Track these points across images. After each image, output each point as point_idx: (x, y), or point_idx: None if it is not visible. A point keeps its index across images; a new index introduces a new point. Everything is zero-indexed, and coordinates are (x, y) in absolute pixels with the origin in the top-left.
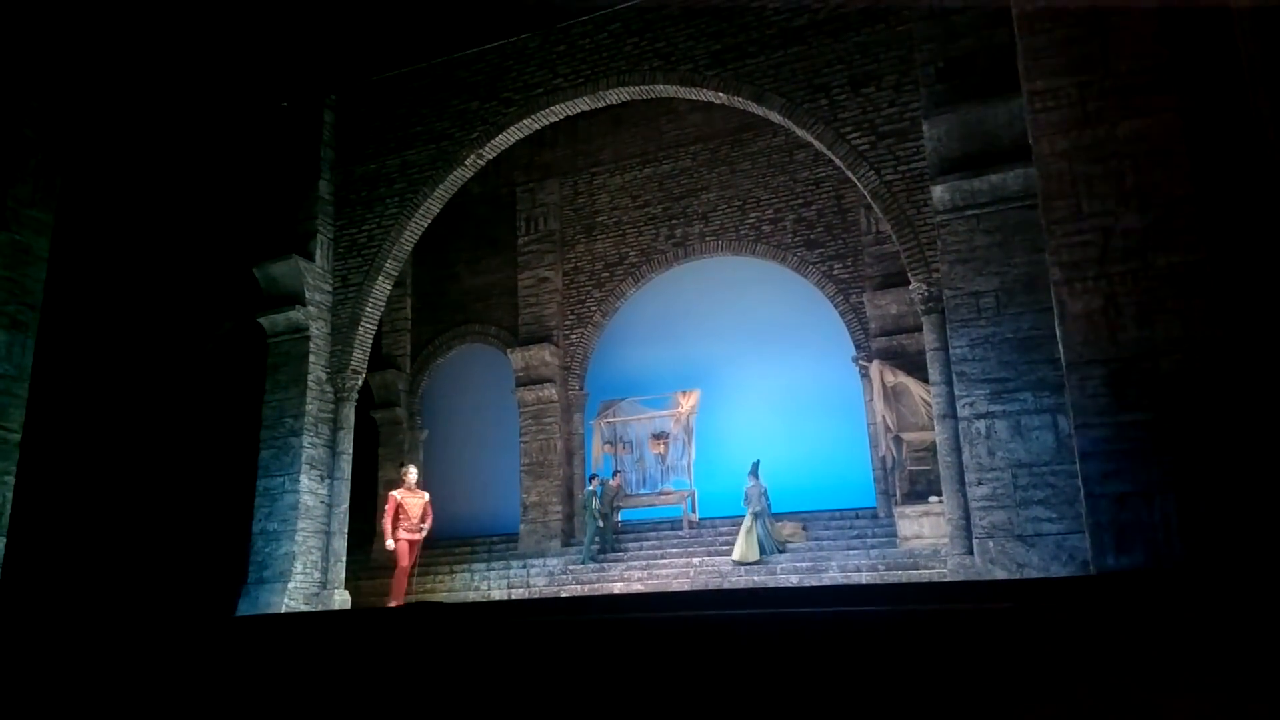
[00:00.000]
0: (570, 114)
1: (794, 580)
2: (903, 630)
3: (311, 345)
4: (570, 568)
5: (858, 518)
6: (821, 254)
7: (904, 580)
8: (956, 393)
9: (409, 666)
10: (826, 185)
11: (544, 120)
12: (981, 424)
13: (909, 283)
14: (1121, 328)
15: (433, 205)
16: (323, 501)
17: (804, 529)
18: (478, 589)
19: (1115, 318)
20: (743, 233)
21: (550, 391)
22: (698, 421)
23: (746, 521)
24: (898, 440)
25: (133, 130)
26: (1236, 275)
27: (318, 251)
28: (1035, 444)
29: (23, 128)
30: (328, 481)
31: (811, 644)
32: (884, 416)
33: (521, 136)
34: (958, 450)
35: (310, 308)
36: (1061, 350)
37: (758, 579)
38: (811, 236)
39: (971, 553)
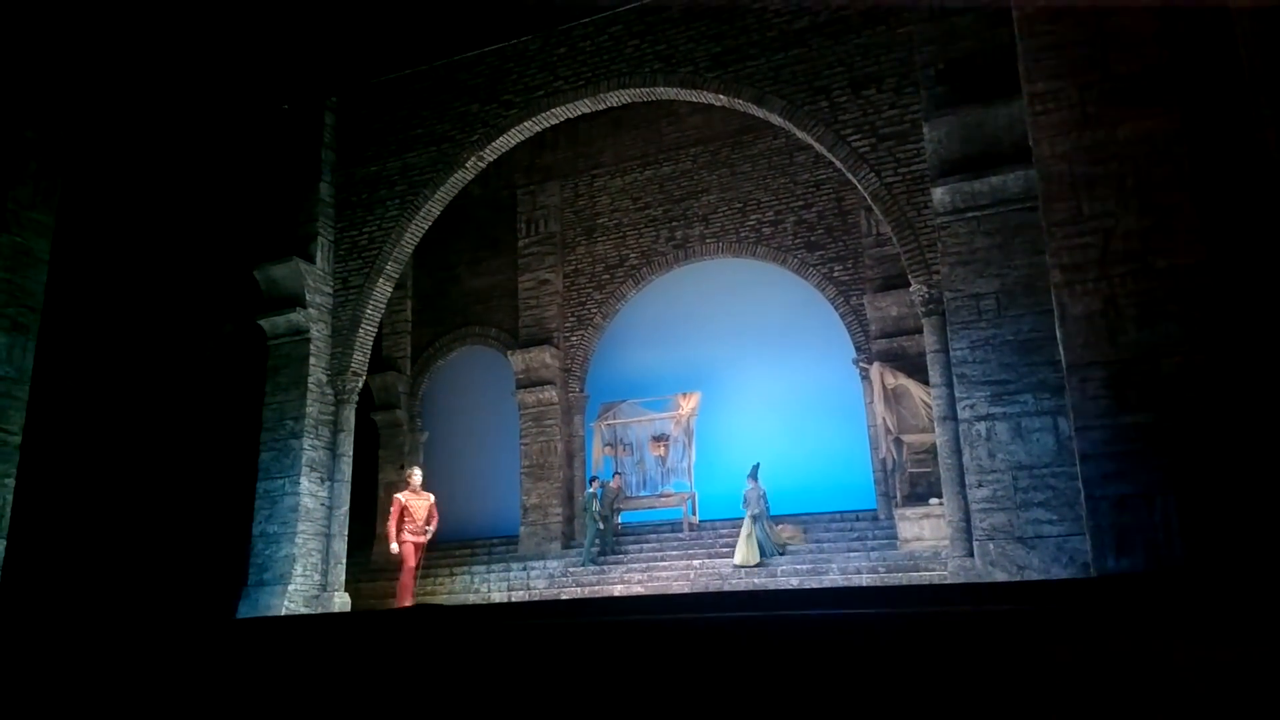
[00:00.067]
0: (571, 116)
1: (794, 582)
2: (903, 633)
3: (312, 347)
4: (570, 570)
5: (858, 520)
6: (822, 256)
7: (904, 583)
8: (957, 395)
9: (409, 669)
10: (827, 187)
11: (544, 122)
12: (982, 426)
13: (909, 285)
14: (1122, 330)
15: (433, 207)
16: (323, 504)
17: (804, 531)
18: (478, 591)
19: (1115, 320)
20: (743, 235)
21: (550, 394)
22: (698, 424)
23: (746, 525)
24: (898, 442)
25: (133, 132)
26: (1237, 277)
27: (318, 254)
28: (1036, 446)
29: (24, 130)
30: (328, 484)
31: (812, 646)
32: (884, 418)
33: (522, 139)
34: (958, 452)
35: (311, 310)
36: (1062, 352)
37: (758, 581)
38: (812, 238)
39: (972, 555)
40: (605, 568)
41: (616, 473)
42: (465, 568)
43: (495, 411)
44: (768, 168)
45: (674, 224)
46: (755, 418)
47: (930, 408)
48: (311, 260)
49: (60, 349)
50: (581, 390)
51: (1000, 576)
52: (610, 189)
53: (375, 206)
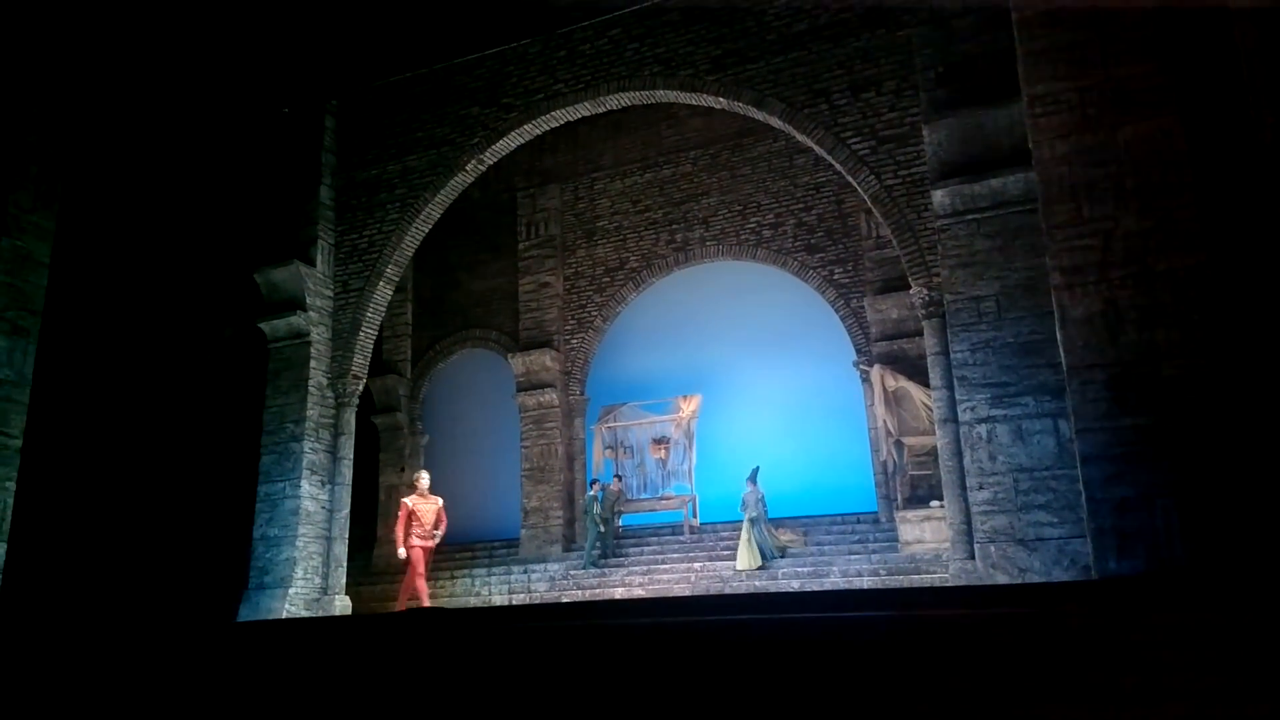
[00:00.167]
0: (570, 119)
1: (795, 585)
2: (905, 635)
3: (312, 350)
4: (571, 573)
5: (859, 522)
6: (822, 259)
7: (905, 585)
8: (957, 397)
9: (410, 672)
10: (827, 190)
11: (544, 126)
12: (983, 428)
13: (909, 287)
14: (1122, 332)
15: (433, 211)
16: (323, 507)
17: (804, 534)
18: (478, 594)
19: (1116, 322)
20: (743, 237)
21: (551, 396)
22: (699, 426)
23: (745, 530)
24: (899, 445)
25: (134, 136)
26: (1237, 279)
27: (319, 257)
28: (1036, 448)
29: (25, 134)
30: (328, 487)
31: (813, 649)
32: (885, 421)
33: (522, 142)
34: (959, 455)
35: (311, 313)
36: (1062, 355)
37: (759, 584)
38: (812, 241)
39: (973, 557)
40: (606, 571)
41: (617, 475)
42: (466, 571)
43: (496, 414)
44: (768, 170)
45: (674, 227)
46: (756, 420)
47: (931, 410)
48: (312, 263)
49: (61, 353)
50: (582, 393)
51: (1001, 579)
52: (610, 192)
53: (375, 210)
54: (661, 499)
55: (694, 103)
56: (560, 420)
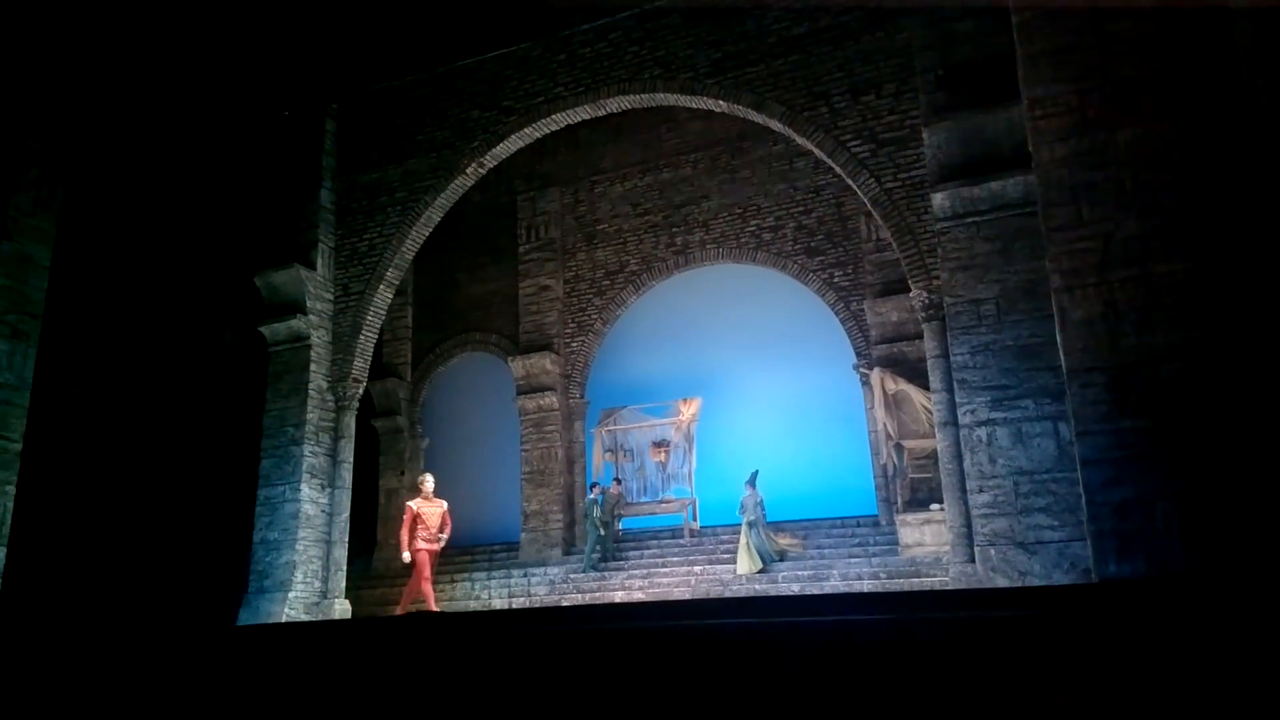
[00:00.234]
0: (571, 123)
1: (795, 588)
2: (905, 639)
3: (312, 354)
4: (571, 576)
5: (859, 525)
6: (822, 261)
7: (906, 588)
8: (957, 400)
9: (410, 676)
10: (827, 193)
11: (545, 129)
12: (983, 431)
13: (909, 290)
14: (1122, 334)
15: (434, 214)
16: (323, 510)
17: (804, 538)
18: (478, 598)
19: (1116, 324)
20: (743, 240)
21: (551, 399)
22: (699, 429)
23: (743, 534)
24: (899, 448)
25: (134, 140)
26: (1237, 281)
27: (319, 260)
28: (1036, 451)
29: (25, 138)
30: (328, 490)
31: (813, 653)
32: (885, 424)
33: (522, 145)
34: (959, 458)
35: (311, 316)
36: (1062, 357)
37: (759, 587)
38: (812, 244)
39: (973, 560)
40: (606, 574)
41: (617, 479)
42: (466, 574)
43: (496, 417)
44: (768, 173)
45: (674, 230)
46: (756, 423)
47: (931, 413)
48: (312, 267)
49: (61, 356)
50: (582, 396)
51: (1001, 582)
52: (610, 195)
53: (376, 213)
54: (661, 502)
55: (694, 106)
56: (560, 423)
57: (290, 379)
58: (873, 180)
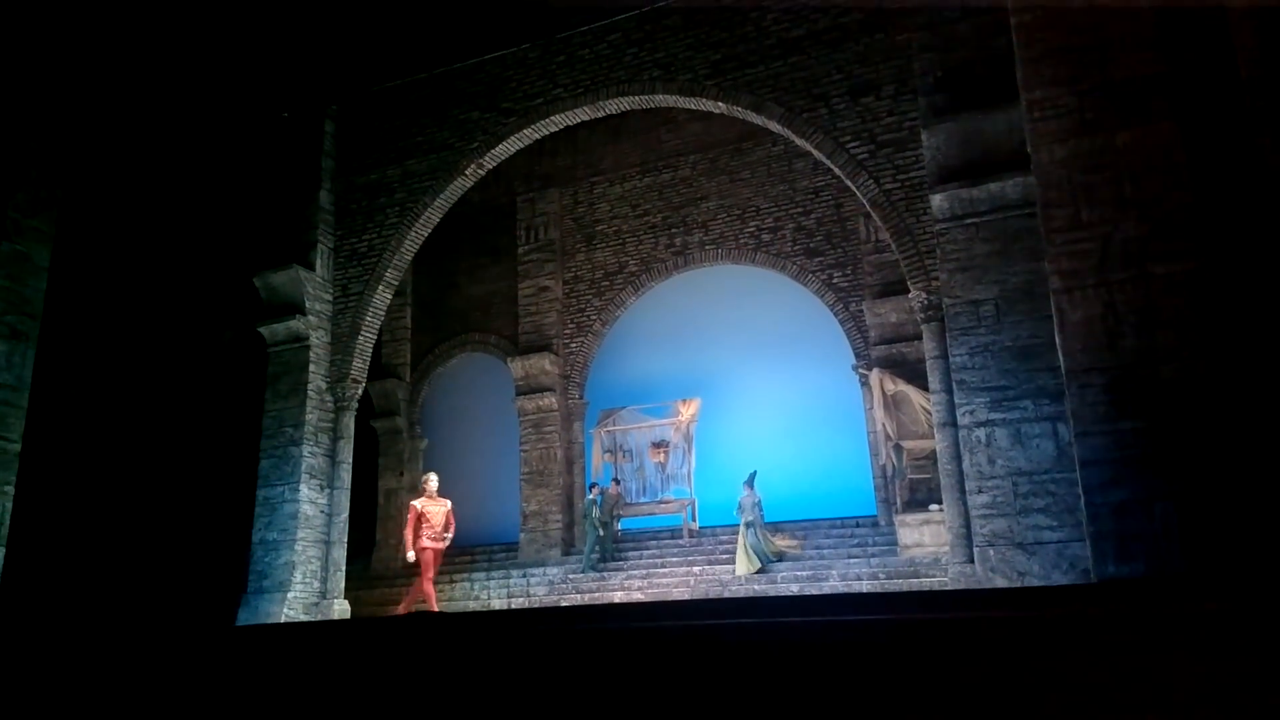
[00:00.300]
0: (570, 124)
1: (795, 589)
2: (903, 639)
3: (311, 354)
4: (570, 577)
5: (858, 526)
6: (821, 262)
7: (905, 589)
8: (956, 401)
9: (409, 677)
10: (826, 194)
11: (544, 130)
12: (982, 432)
13: (908, 291)
14: (1121, 335)
15: (433, 215)
16: (322, 511)
17: (803, 538)
18: (477, 598)
19: (1115, 325)
20: (742, 241)
21: (550, 400)
22: (698, 430)
23: (741, 534)
24: (898, 448)
25: (134, 140)
26: (1235, 282)
27: (318, 261)
28: (1035, 452)
29: (24, 138)
30: (327, 491)
31: (812, 653)
32: (884, 425)
33: (521, 146)
34: (958, 458)
35: (310, 317)
36: (1061, 358)
37: (758, 588)
38: (811, 245)
39: (972, 561)
40: (605, 574)
41: (615, 479)
42: (465, 575)
43: (495, 418)
44: (767, 175)
45: (673, 231)
46: (755, 424)
47: (930, 414)
48: (311, 267)
49: (60, 357)
50: (581, 397)
51: (1000, 583)
52: (610, 196)
53: (375, 214)
54: (660, 503)
55: (693, 107)
56: (559, 424)
57: (289, 379)
58: (872, 181)
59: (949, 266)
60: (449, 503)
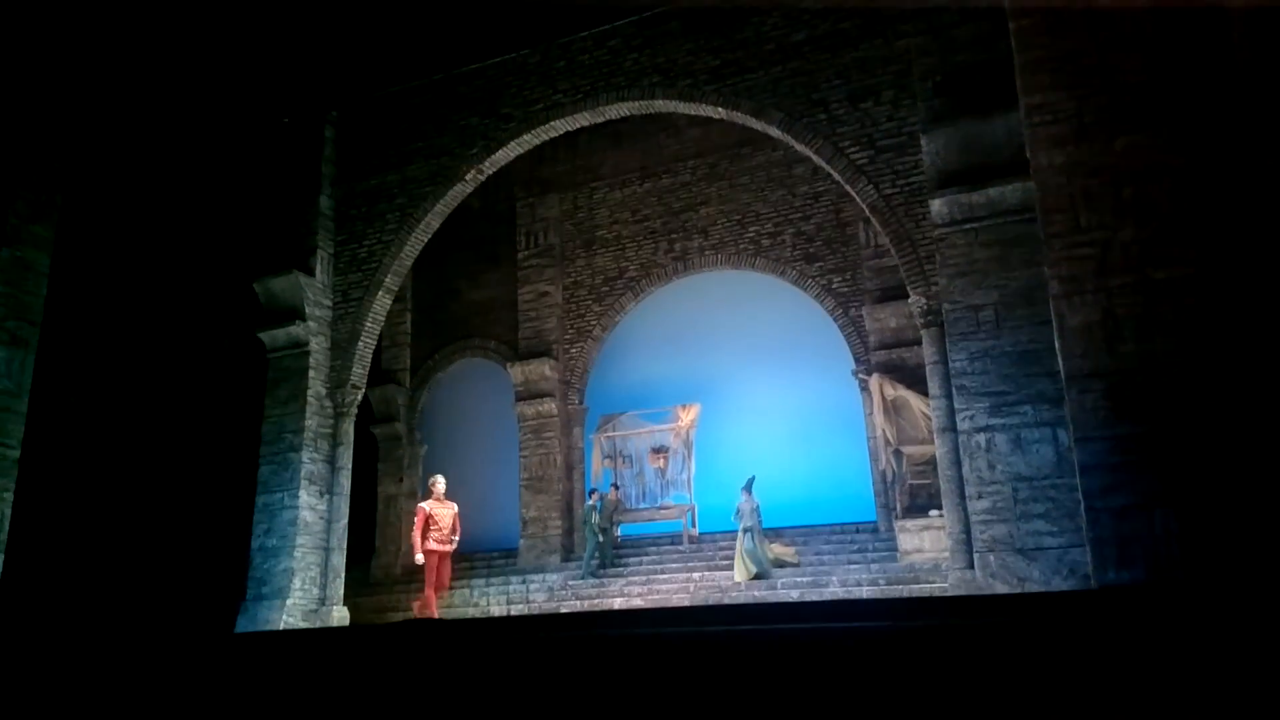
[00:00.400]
0: (570, 129)
1: (795, 595)
2: (904, 645)
3: (311, 360)
4: (570, 583)
5: (858, 532)
6: (820, 268)
7: (905, 595)
8: (956, 406)
9: (408, 684)
10: (825, 199)
11: (544, 136)
12: (981, 437)
13: (908, 296)
14: (1121, 341)
15: (433, 220)
16: (321, 517)
17: (804, 544)
18: (477, 605)
19: (1114, 331)
20: (742, 247)
21: (550, 406)
22: (698, 435)
23: (739, 541)
24: (898, 454)
25: (134, 146)
26: (1235, 287)
27: (318, 267)
28: (1035, 457)
29: (24, 143)
30: (327, 497)
31: (812, 660)
32: (884, 430)
33: (521, 152)
34: (958, 464)
35: (310, 323)
36: (1060, 363)
37: (758, 594)
38: (810, 250)
39: (972, 567)
40: (605, 581)
41: (614, 484)
42: (464, 581)
43: (494, 424)
44: (766, 180)
45: (673, 236)
46: (755, 430)
47: (930, 419)
48: (311, 273)
49: (60, 363)
50: (581, 402)
51: (1001, 589)
52: (609, 201)
53: (375, 219)
54: (660, 508)
55: (693, 113)
56: (559, 430)
57: (289, 385)
58: (871, 187)
59: (948, 271)
60: (455, 506)
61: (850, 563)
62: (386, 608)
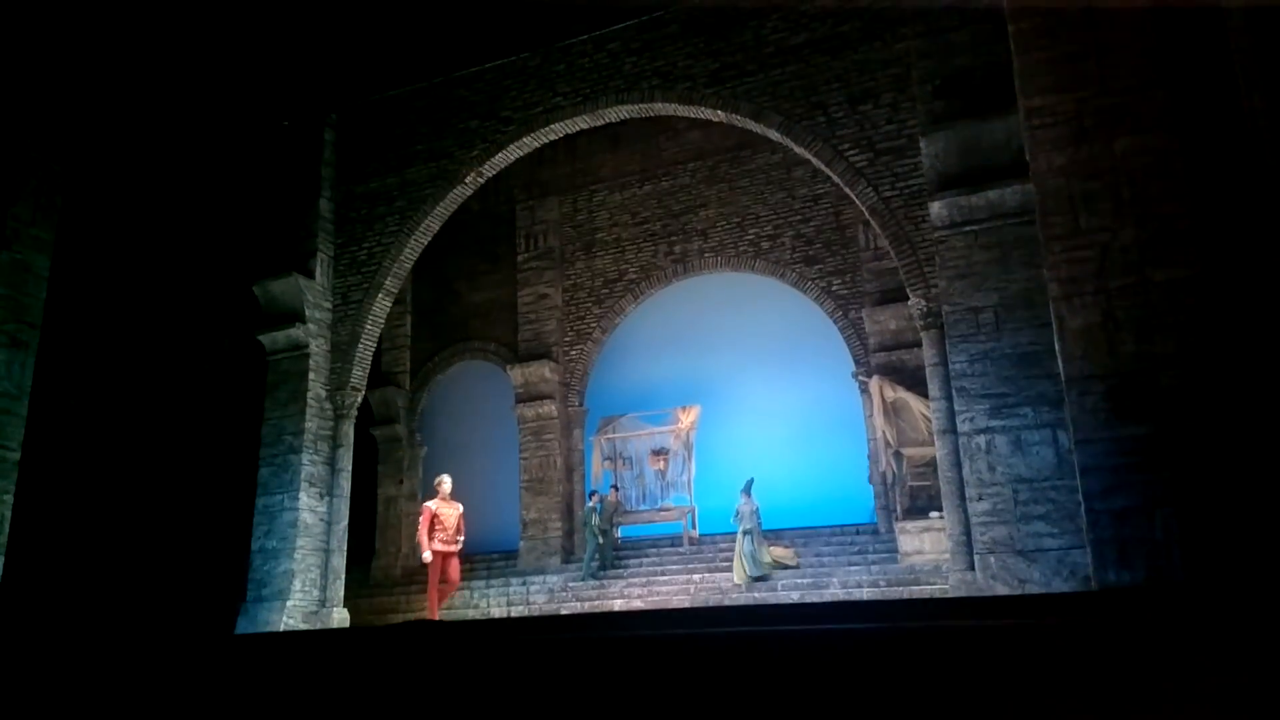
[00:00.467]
0: (569, 132)
1: (795, 596)
2: (904, 647)
3: (311, 363)
4: (570, 585)
5: (859, 533)
6: (820, 270)
7: (905, 596)
8: (956, 408)
9: (409, 686)
10: (825, 202)
11: (543, 138)
12: (981, 439)
13: (908, 298)
14: (1120, 342)
15: (432, 223)
16: (322, 519)
17: (802, 545)
18: (477, 607)
19: (1114, 332)
20: (741, 249)
21: (550, 408)
22: (698, 437)
23: (738, 543)
24: (898, 456)
25: (134, 149)
26: (1235, 289)
27: (318, 269)
28: (1035, 459)
29: (24, 147)
30: (327, 499)
31: (812, 662)
32: (884, 432)
33: (521, 155)
34: (958, 466)
35: (310, 325)
36: (1060, 365)
37: (759, 595)
38: (810, 253)
39: (973, 568)
40: (605, 582)
41: (614, 486)
42: (464, 583)
43: (494, 426)
44: (766, 182)
45: (672, 239)
46: (755, 431)
47: (930, 421)
48: (311, 276)
49: (60, 365)
50: (581, 404)
51: (1001, 590)
52: (609, 204)
53: (375, 222)
54: (660, 510)
55: (692, 115)
56: (559, 432)
57: (289, 387)
58: (870, 189)
59: (948, 274)
60: (461, 506)
61: (850, 564)
62: (386, 609)
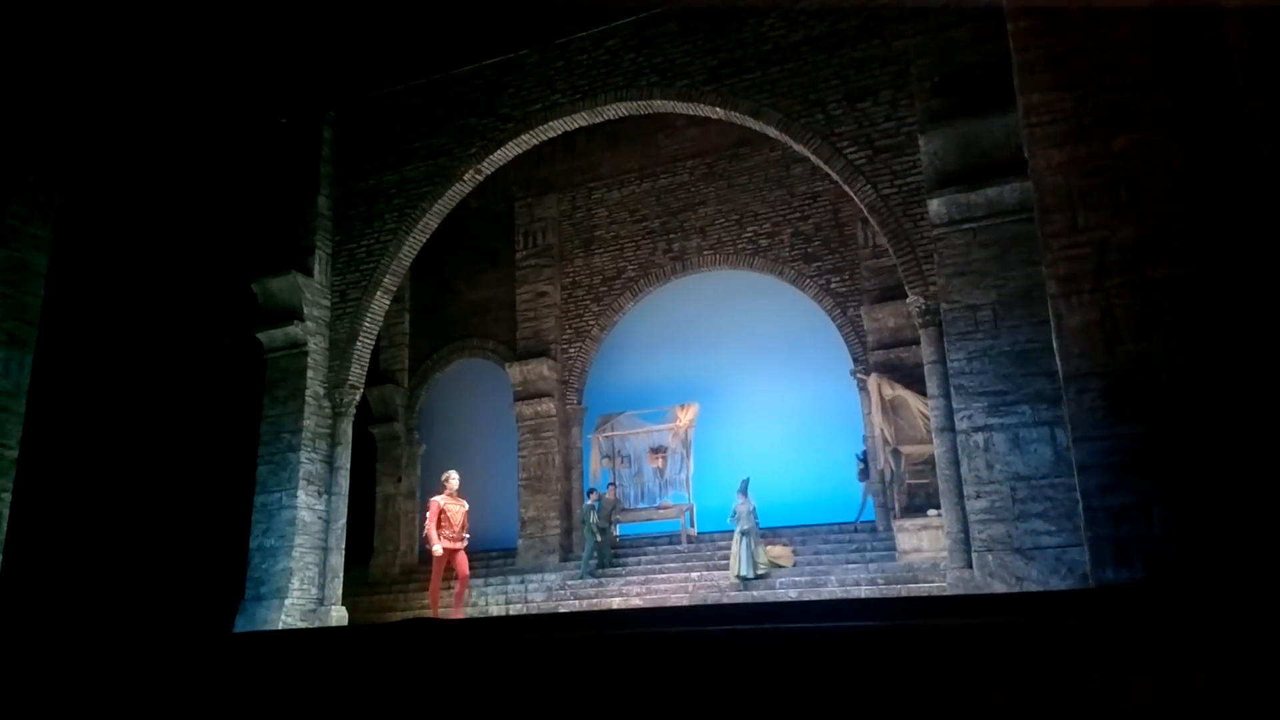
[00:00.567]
0: (568, 129)
1: (793, 594)
2: (902, 645)
3: (309, 360)
4: (568, 583)
5: (856, 531)
6: (819, 267)
7: (903, 594)
8: (954, 406)
9: (407, 684)
10: (823, 199)
11: (542, 136)
12: (980, 437)
13: (906, 296)
14: (1118, 340)
15: (431, 220)
16: (320, 517)
17: (800, 544)
18: (475, 605)
19: (1112, 330)
20: (740, 246)
21: (548, 406)
22: (696, 435)
23: (735, 542)
24: (896, 453)
25: (132, 146)
26: (1233, 287)
27: (316, 267)
28: (1033, 457)
29: (21, 144)
30: (325, 497)
31: (810, 660)
32: (882, 430)
33: (519, 152)
34: (956, 463)
35: (308, 323)
36: (1058, 363)
37: (757, 594)
38: (809, 250)
39: (971, 566)
40: (603, 580)
41: (612, 484)
42: None
43: (493, 424)
44: (764, 180)
45: (671, 236)
46: (753, 429)
47: (928, 419)
48: (309, 273)
49: (58, 363)
50: (579, 402)
51: (999, 588)
52: (608, 201)
53: (373, 220)
54: (659, 508)
55: (691, 113)
56: (558, 429)
57: (287, 385)
58: (869, 186)
59: (946, 271)
60: (467, 504)
61: (849, 562)
62: (385, 607)
